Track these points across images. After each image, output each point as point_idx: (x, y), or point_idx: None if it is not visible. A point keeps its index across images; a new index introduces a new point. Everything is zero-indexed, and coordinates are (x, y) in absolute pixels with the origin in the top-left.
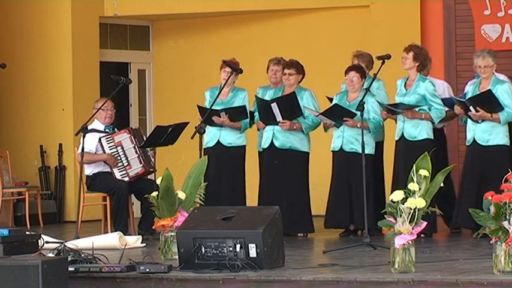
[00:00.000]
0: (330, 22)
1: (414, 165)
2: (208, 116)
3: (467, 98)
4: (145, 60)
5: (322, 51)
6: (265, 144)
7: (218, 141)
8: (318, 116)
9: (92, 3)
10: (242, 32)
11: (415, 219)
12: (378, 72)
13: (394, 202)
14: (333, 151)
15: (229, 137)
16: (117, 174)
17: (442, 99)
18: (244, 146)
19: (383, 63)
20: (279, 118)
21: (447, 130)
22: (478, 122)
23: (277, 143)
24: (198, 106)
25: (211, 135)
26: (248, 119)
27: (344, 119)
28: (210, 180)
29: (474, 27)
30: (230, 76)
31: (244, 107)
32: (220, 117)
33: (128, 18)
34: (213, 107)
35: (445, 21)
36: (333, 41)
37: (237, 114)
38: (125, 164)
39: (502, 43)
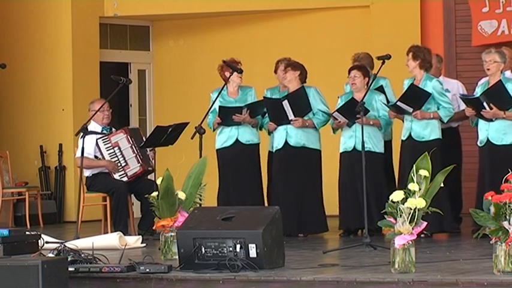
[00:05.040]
0: (330, 22)
1: (414, 165)
2: (228, 115)
3: (479, 94)
4: (145, 60)
5: (322, 51)
6: (279, 144)
7: (237, 140)
8: (333, 113)
9: (92, 3)
10: (242, 32)
11: (415, 220)
12: (377, 73)
13: (394, 202)
14: (345, 152)
15: (247, 135)
16: (116, 174)
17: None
18: (259, 143)
19: (383, 63)
20: (291, 116)
21: None
22: (491, 121)
23: (291, 141)
24: (220, 107)
25: (228, 135)
26: (260, 116)
27: (357, 116)
28: (230, 179)
29: (472, 26)
30: (230, 76)
31: (264, 99)
32: (241, 114)
33: (128, 18)
34: (229, 106)
35: (445, 21)
36: (333, 41)
37: (257, 109)
38: (123, 164)
39: (497, 36)
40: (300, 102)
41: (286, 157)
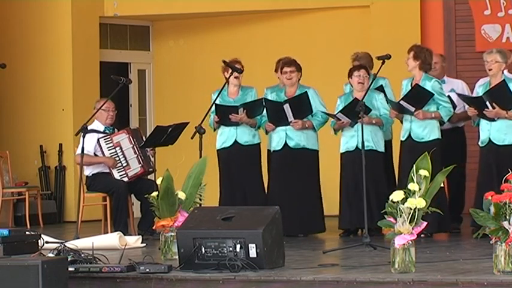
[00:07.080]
0: (330, 22)
1: (414, 165)
2: (225, 114)
3: (481, 94)
4: (145, 60)
5: (322, 51)
6: (278, 145)
7: (235, 141)
8: (337, 114)
9: (92, 3)
10: (242, 32)
11: (415, 220)
12: (377, 72)
13: (394, 202)
14: (347, 151)
15: (246, 136)
16: (116, 174)
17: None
18: (259, 143)
19: (383, 63)
20: (290, 118)
21: None
22: (494, 120)
23: (291, 143)
24: (216, 105)
25: (227, 135)
26: (260, 116)
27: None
28: (230, 180)
29: (474, 28)
30: (230, 76)
31: (262, 99)
32: (238, 113)
33: (128, 18)
34: (226, 105)
35: (445, 21)
36: (333, 41)
37: (255, 109)
38: (124, 165)
39: (503, 43)
40: (302, 106)
41: (285, 158)
